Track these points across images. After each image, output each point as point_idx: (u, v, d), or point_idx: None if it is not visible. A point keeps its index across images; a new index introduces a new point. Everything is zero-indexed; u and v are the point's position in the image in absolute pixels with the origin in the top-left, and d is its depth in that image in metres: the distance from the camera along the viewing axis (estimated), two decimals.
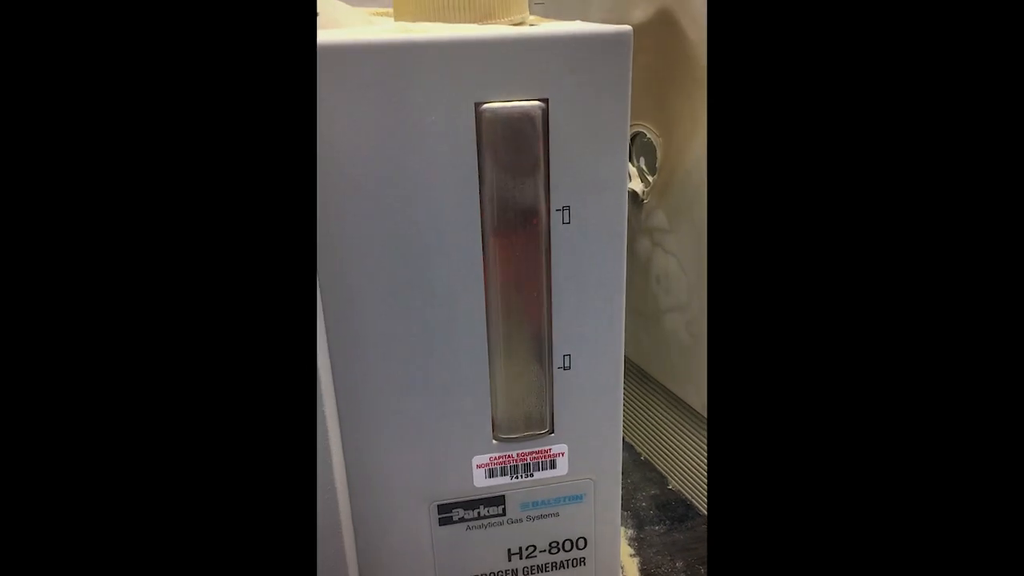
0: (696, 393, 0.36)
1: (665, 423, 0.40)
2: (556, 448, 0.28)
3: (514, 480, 0.28)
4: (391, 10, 0.27)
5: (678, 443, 0.39)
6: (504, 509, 0.29)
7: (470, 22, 0.25)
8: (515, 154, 0.24)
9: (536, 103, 0.23)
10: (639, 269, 0.39)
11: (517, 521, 0.29)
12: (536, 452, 0.28)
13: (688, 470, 0.39)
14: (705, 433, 0.37)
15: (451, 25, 0.24)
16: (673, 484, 0.40)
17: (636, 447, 0.44)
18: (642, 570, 0.34)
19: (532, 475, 0.28)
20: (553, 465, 0.28)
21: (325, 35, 0.22)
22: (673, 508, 0.38)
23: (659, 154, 0.36)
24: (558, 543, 0.30)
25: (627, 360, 0.42)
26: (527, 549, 0.30)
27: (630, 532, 0.37)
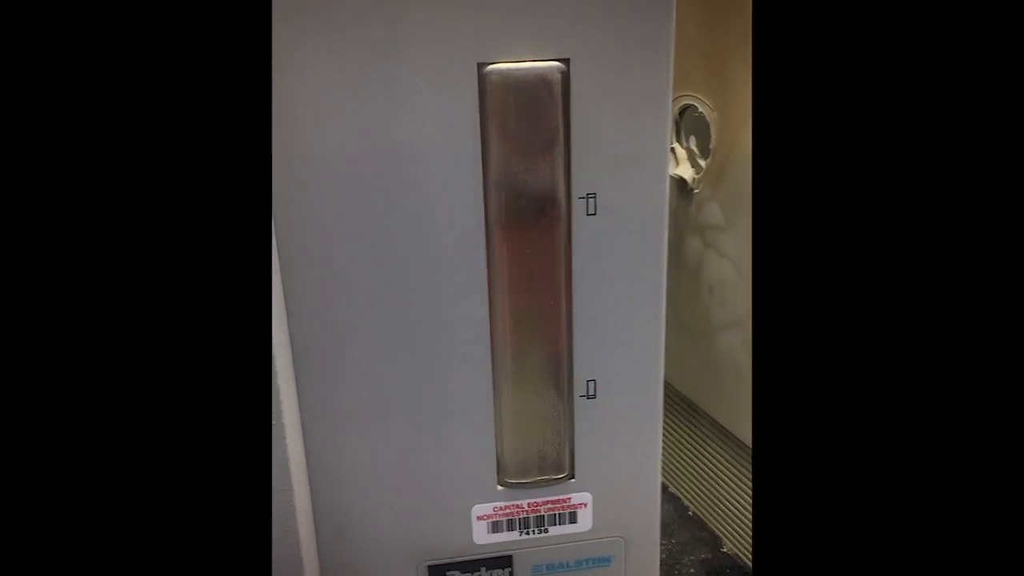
0: None
1: (718, 469, 0.40)
2: (577, 497, 0.28)
3: (524, 536, 0.28)
4: None
5: (735, 495, 0.39)
6: (511, 572, 0.28)
7: None
8: (528, 127, 0.23)
9: (554, 64, 0.23)
10: (688, 275, 0.38)
11: None
12: (552, 502, 0.28)
13: (747, 529, 0.38)
14: None
15: None
16: (728, 547, 0.40)
17: (682, 499, 0.43)
18: None
19: (547, 531, 0.28)
20: (573, 519, 0.28)
21: None
22: None
23: (713, 132, 0.35)
24: None
25: (670, 388, 0.41)
26: None
27: None
